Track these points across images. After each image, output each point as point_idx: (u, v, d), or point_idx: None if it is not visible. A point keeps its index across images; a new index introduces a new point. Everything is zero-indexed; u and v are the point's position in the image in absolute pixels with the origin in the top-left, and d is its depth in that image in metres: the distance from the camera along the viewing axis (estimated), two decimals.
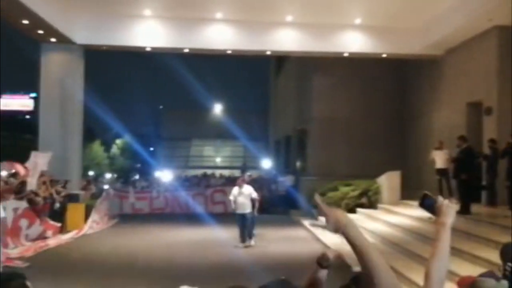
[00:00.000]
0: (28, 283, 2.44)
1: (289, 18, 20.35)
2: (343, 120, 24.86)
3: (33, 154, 17.48)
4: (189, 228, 18.62)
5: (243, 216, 14.81)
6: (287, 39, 20.92)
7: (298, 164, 27.89)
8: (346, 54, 21.24)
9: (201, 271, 11.28)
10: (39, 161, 17.05)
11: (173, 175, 31.42)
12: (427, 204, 2.30)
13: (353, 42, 20.86)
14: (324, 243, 14.21)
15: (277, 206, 24.10)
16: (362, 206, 19.68)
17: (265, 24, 20.61)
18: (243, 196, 14.82)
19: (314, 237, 16.50)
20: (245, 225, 14.83)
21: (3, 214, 8.59)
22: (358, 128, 24.74)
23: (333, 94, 24.92)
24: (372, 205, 19.69)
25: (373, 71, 24.19)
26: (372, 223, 16.64)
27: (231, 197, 15.06)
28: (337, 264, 2.75)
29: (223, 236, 16.23)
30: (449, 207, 2.21)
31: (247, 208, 14.82)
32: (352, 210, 19.06)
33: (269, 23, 20.62)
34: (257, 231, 15.71)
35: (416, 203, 7.39)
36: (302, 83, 27.11)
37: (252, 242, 14.93)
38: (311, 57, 22.89)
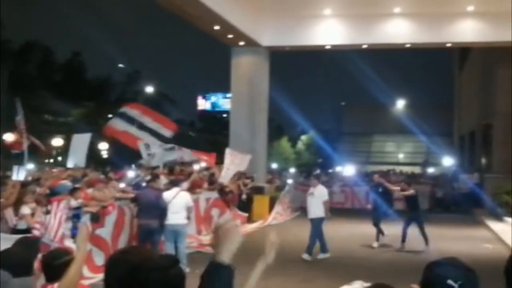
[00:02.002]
0: (187, 270, 2.43)
1: (470, 8, 18.86)
2: None
3: (228, 152, 18.26)
4: (368, 224, 18.16)
5: (311, 221, 12.41)
6: (468, 30, 19.47)
7: (482, 160, 25.83)
8: None
9: (376, 266, 10.90)
10: (235, 160, 17.73)
11: (355, 170, 30.98)
12: None
13: None
14: (507, 244, 12.89)
15: (459, 205, 22.54)
16: None
17: (444, 16, 19.37)
18: (314, 198, 12.40)
19: (497, 237, 15.08)
20: (311, 234, 12.27)
21: (83, 219, 9.04)
22: None
23: None
24: None
25: None
26: None
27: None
28: None
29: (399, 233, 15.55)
30: None
31: (313, 213, 12.30)
32: None
33: (449, 15, 19.34)
34: (436, 230, 14.74)
35: None
36: (486, 75, 25.05)
37: (321, 255, 12.27)
38: (495, 47, 21.00)
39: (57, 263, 3.39)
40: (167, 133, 15.41)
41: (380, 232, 14.00)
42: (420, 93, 66.09)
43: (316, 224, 12.20)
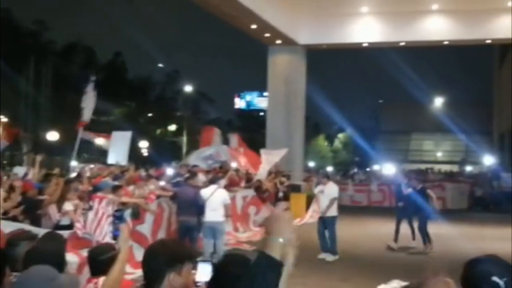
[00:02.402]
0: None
1: (510, 3, 18.35)
2: None
3: (263, 152, 18.35)
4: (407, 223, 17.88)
5: (321, 220, 12.02)
6: (508, 26, 18.89)
7: None
8: None
9: (414, 266, 10.71)
10: (270, 158, 17.79)
11: (394, 169, 30.44)
12: None
13: None
14: None
15: (499, 204, 21.98)
16: None
17: (483, 12, 18.92)
18: (324, 196, 11.94)
19: None
20: (321, 232, 11.87)
21: (124, 216, 9.14)
22: None
23: None
24: None
25: None
26: None
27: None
28: None
29: (438, 231, 15.27)
30: None
31: (326, 212, 11.84)
32: None
33: (488, 11, 18.89)
34: (475, 229, 14.38)
35: None
36: None
37: (322, 255, 11.72)
38: None
39: (103, 258, 3.51)
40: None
41: (413, 232, 13.57)
42: (458, 90, 64.70)
43: (329, 223, 11.79)
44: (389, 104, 62.81)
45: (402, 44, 21.03)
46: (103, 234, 8.32)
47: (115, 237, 3.15)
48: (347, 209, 21.54)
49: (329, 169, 40.77)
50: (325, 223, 11.80)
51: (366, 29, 20.64)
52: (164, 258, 2.68)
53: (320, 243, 11.77)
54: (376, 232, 15.89)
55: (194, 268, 3.09)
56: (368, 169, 40.61)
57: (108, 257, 3.43)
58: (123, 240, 3.07)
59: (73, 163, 15.72)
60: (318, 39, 21.43)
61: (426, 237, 12.93)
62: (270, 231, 2.16)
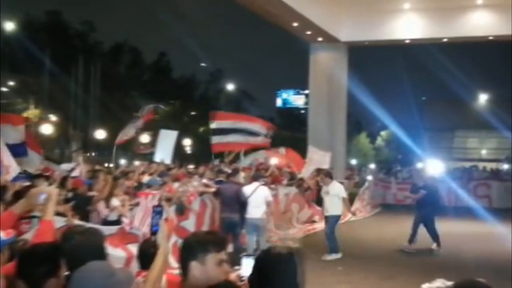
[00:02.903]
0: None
1: None
2: None
3: (311, 150, 18.27)
4: (450, 221, 17.51)
5: (326, 219, 11.80)
6: None
7: None
8: None
9: (459, 264, 10.49)
10: (315, 157, 17.71)
11: (443, 167, 29.28)
12: None
13: None
14: None
15: None
16: None
17: None
18: (329, 196, 11.62)
19: None
20: (326, 232, 11.56)
21: (165, 215, 9.19)
22: None
23: None
24: None
25: None
26: None
27: None
28: None
29: (484, 230, 14.90)
30: None
31: (330, 210, 11.54)
32: None
33: None
34: None
35: None
36: None
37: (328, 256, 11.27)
38: None
39: (153, 252, 3.57)
40: (263, 130, 15.88)
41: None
42: (503, 87, 62.70)
43: (331, 222, 11.51)
44: (432, 101, 61.55)
45: (445, 40, 20.59)
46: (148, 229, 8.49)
47: (154, 232, 3.20)
48: (391, 208, 21.29)
49: (372, 166, 40.25)
50: (327, 220, 11.60)
51: (408, 26, 20.31)
52: (187, 248, 2.70)
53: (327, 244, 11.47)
54: (419, 231, 15.63)
55: (239, 263, 3.10)
56: (411, 167, 39.84)
57: (154, 252, 3.43)
58: (162, 236, 3.11)
59: (121, 161, 16.11)
60: (360, 36, 21.20)
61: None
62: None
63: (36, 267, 2.67)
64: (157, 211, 3.30)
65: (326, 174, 12.53)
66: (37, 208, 4.09)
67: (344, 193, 11.77)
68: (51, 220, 3.51)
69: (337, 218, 11.61)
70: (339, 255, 11.27)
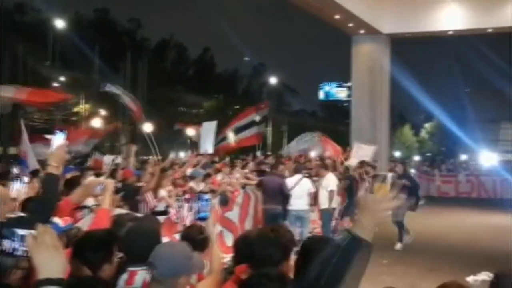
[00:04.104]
0: None
1: None
2: None
3: (356, 145, 18.17)
4: (495, 214, 17.06)
5: (320, 212, 11.62)
6: None
7: None
8: None
9: (503, 258, 10.22)
10: (360, 152, 17.61)
11: (496, 159, 28.29)
12: None
13: None
14: None
15: None
16: None
17: None
18: (322, 189, 11.37)
19: None
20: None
21: (214, 202, 9.30)
22: None
23: None
24: None
25: None
26: None
27: None
28: None
29: None
30: None
31: (321, 203, 11.41)
32: None
33: None
34: None
35: None
36: None
37: None
38: None
39: (199, 238, 3.78)
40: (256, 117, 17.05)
41: None
42: None
43: (325, 217, 11.38)
44: (476, 93, 59.98)
45: (489, 30, 19.98)
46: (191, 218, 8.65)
47: (201, 218, 3.33)
48: (435, 200, 20.92)
49: (416, 158, 39.59)
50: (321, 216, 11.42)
51: (451, 17, 19.79)
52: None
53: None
54: (463, 224, 15.33)
55: None
56: (455, 160, 38.96)
57: (204, 237, 3.73)
58: (210, 223, 3.22)
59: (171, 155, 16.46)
60: (402, 28, 20.81)
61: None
62: (358, 219, 2.13)
63: (93, 252, 2.78)
64: (205, 199, 3.44)
65: (321, 166, 12.30)
66: (93, 198, 4.24)
67: (332, 186, 11.33)
68: (108, 209, 3.67)
69: (326, 212, 11.41)
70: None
